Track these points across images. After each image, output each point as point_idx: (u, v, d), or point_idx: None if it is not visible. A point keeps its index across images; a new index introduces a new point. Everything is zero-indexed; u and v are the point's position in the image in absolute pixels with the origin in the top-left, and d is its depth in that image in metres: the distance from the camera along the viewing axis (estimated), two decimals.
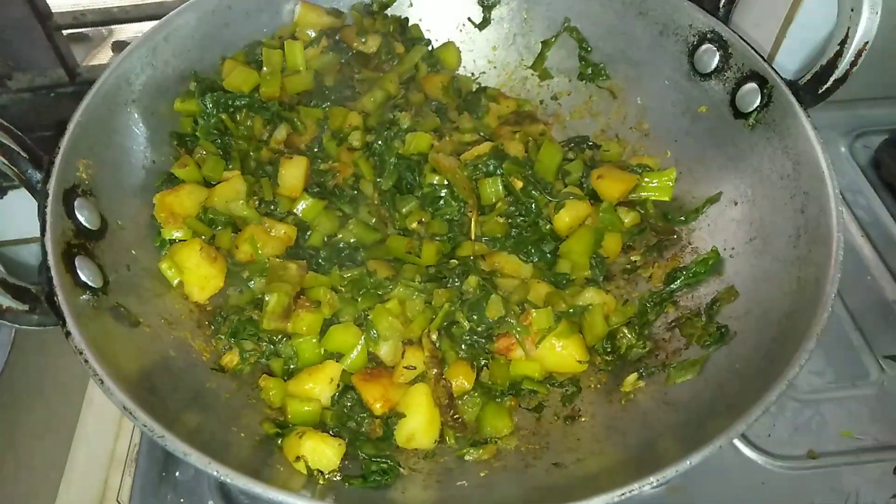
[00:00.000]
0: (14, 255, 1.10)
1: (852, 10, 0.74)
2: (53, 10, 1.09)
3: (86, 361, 0.56)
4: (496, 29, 0.99)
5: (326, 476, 0.63)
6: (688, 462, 0.55)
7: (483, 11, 0.98)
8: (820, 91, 0.78)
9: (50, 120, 1.13)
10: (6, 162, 0.63)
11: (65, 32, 1.10)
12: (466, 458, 0.70)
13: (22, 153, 0.65)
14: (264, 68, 0.86)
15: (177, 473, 0.76)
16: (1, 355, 0.89)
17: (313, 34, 0.89)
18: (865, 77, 0.75)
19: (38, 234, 1.10)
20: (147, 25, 1.13)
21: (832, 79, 0.76)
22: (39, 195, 0.64)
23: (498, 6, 0.97)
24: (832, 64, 0.76)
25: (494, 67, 1.00)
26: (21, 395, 0.96)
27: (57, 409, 0.94)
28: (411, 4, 0.97)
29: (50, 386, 0.97)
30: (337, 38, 0.90)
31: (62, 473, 0.85)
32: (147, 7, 1.14)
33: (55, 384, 0.97)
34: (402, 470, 0.67)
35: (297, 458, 0.63)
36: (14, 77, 1.14)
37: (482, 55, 1.00)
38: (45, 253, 0.61)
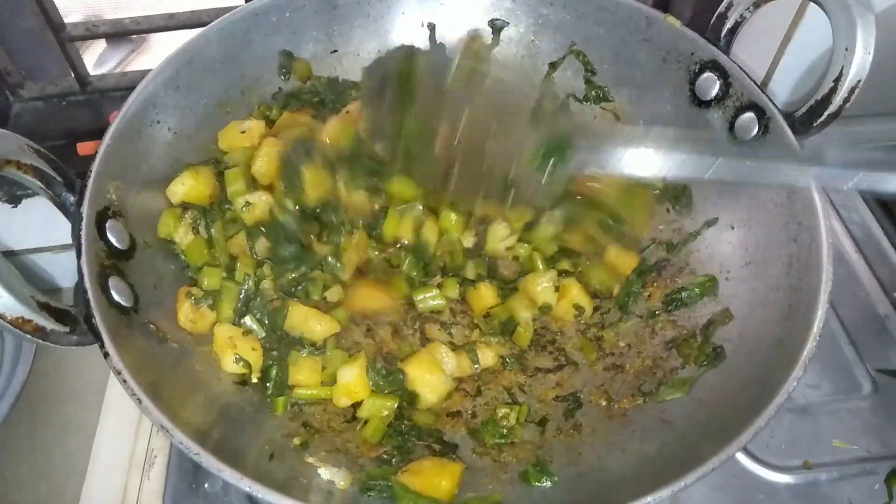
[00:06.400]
0: (29, 264, 1.11)
1: (846, 50, 0.78)
2: (66, 21, 1.11)
3: (124, 381, 0.59)
4: (505, 49, 1.02)
5: (344, 487, 0.67)
6: (682, 483, 0.59)
7: (493, 32, 1.01)
8: (815, 124, 0.82)
9: (61, 128, 1.15)
10: (43, 187, 0.66)
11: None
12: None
13: (57, 178, 0.67)
14: None
15: (206, 485, 0.80)
16: (24, 367, 0.91)
17: None
18: (862, 94, 0.78)
19: (52, 244, 1.13)
20: (158, 36, 1.17)
21: (826, 113, 0.80)
22: (74, 218, 0.67)
23: (507, 28, 1.00)
24: (827, 99, 0.80)
25: None
26: (40, 402, 0.98)
27: (75, 414, 0.97)
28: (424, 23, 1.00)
29: (68, 392, 1.00)
30: None
31: (83, 478, 0.88)
32: (158, 18, 1.16)
33: (73, 390, 1.00)
34: None
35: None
36: (26, 86, 1.16)
37: None
38: (81, 275, 0.64)
